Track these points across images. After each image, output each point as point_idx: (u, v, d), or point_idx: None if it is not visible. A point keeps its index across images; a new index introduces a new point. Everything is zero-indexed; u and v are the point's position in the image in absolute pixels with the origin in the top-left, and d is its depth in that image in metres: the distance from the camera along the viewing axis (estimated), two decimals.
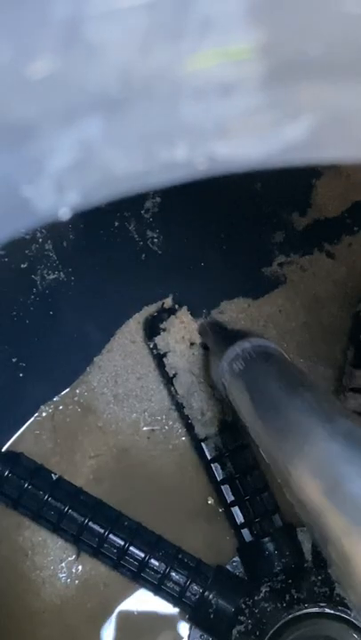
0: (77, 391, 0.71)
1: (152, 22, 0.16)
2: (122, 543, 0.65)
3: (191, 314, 0.69)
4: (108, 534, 0.65)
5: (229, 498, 0.67)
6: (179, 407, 0.69)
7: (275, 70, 0.18)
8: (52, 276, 0.67)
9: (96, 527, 0.65)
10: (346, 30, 0.17)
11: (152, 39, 0.16)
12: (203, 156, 0.20)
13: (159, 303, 0.70)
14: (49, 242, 0.65)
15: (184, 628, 0.67)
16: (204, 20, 0.16)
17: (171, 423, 0.71)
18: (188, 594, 0.64)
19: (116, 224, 0.67)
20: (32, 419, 0.71)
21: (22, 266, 0.65)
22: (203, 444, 0.67)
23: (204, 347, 0.67)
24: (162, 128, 0.19)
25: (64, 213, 0.21)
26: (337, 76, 0.18)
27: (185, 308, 0.68)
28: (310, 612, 0.61)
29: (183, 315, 0.68)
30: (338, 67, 0.18)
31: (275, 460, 0.39)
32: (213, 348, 0.60)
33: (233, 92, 0.18)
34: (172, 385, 0.68)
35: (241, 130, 0.19)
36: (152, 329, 0.69)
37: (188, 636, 0.66)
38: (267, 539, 0.65)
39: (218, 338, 0.60)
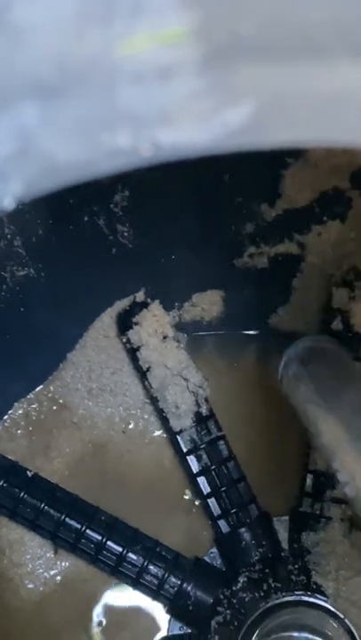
0: (51, 387, 0.71)
1: (81, 6, 0.16)
2: (99, 538, 0.65)
3: (163, 307, 0.68)
4: (85, 530, 0.65)
5: (205, 490, 0.67)
6: (153, 401, 0.69)
7: (211, 54, 0.18)
8: (21, 273, 0.66)
9: (73, 523, 0.65)
10: (278, 10, 0.17)
11: (83, 23, 0.16)
12: (147, 142, 0.20)
13: (131, 297, 0.70)
14: (18, 238, 0.65)
15: (163, 620, 0.67)
16: (134, 2, 0.16)
17: (146, 417, 0.71)
18: (166, 586, 0.64)
19: (86, 219, 0.67)
20: (6, 416, 0.70)
21: None
22: (178, 437, 0.67)
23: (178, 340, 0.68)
24: (101, 114, 0.19)
25: (8, 203, 0.21)
26: (274, 58, 0.18)
27: (157, 301, 0.68)
28: (288, 601, 0.61)
29: (155, 308, 0.68)
30: (274, 48, 0.18)
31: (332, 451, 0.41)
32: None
33: (171, 76, 0.18)
34: (146, 379, 0.68)
35: (183, 115, 0.19)
36: (125, 323, 0.69)
37: (168, 629, 0.66)
38: (243, 529, 0.65)
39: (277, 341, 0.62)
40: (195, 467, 0.67)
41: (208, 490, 0.67)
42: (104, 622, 0.67)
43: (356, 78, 0.19)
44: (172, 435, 0.68)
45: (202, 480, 0.67)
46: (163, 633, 0.67)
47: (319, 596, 0.61)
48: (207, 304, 0.71)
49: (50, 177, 0.21)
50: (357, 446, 0.36)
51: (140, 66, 0.18)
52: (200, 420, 0.67)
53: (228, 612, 0.63)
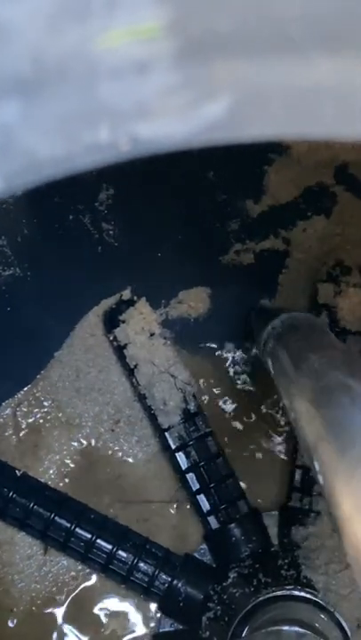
0: (39, 387, 0.71)
1: (58, 2, 0.16)
2: (89, 536, 0.65)
3: (150, 305, 0.69)
4: (75, 528, 0.65)
5: (195, 486, 0.67)
6: (141, 398, 0.69)
7: (187, 48, 0.18)
8: (7, 272, 0.66)
9: (62, 522, 0.65)
10: (253, 5, 0.17)
11: (60, 18, 0.16)
12: (125, 136, 0.20)
13: (117, 295, 0.70)
14: (3, 237, 0.65)
15: (154, 617, 0.67)
16: None
17: (135, 414, 0.71)
18: (156, 583, 0.64)
19: (71, 217, 0.67)
20: None
21: None
22: (166, 434, 0.67)
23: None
24: (81, 109, 0.19)
25: None
26: (250, 53, 0.18)
27: (143, 299, 0.68)
28: (278, 596, 0.61)
29: (142, 306, 0.68)
30: (250, 43, 0.18)
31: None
32: (256, 335, 0.62)
33: (148, 71, 0.18)
34: (134, 376, 0.68)
35: (161, 109, 0.20)
36: (111, 321, 0.69)
37: (158, 625, 0.66)
38: (233, 525, 0.65)
39: (259, 321, 0.63)
40: (183, 463, 0.67)
41: (197, 486, 0.67)
42: (94, 620, 0.67)
43: (331, 73, 0.20)
44: (160, 432, 0.68)
45: (191, 476, 0.67)
46: (154, 630, 0.67)
47: (309, 590, 0.61)
48: (194, 301, 0.71)
49: (30, 172, 0.21)
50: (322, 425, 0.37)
51: (117, 61, 0.18)
52: (188, 416, 0.67)
53: (218, 607, 0.63)
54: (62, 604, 0.68)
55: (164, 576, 0.64)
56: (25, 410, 0.71)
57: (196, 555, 0.67)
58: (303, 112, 0.20)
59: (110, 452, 0.71)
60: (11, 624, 0.67)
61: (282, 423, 0.71)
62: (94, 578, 0.68)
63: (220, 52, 0.18)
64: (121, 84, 0.19)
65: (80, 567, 0.68)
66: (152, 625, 0.67)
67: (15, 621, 0.68)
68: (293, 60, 0.19)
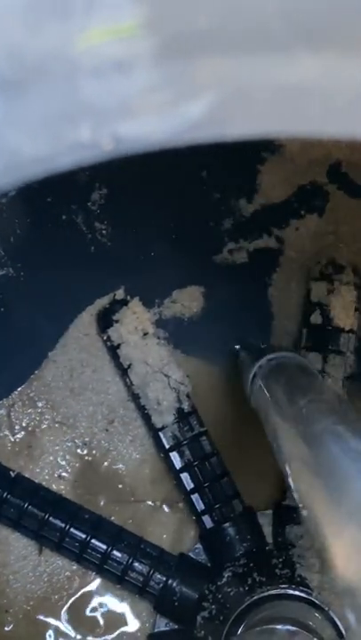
0: (33, 387, 0.71)
1: (36, 1, 0.16)
2: (83, 536, 0.65)
3: (143, 304, 0.68)
4: (69, 528, 0.65)
5: (189, 485, 0.67)
6: (135, 398, 0.69)
7: (167, 46, 0.18)
8: (0, 273, 0.66)
9: (57, 522, 0.65)
10: (233, 2, 0.17)
11: (38, 17, 0.16)
12: (108, 135, 0.20)
13: (111, 295, 0.70)
14: None
15: (149, 616, 0.67)
16: None
17: (129, 414, 0.71)
18: (151, 583, 0.64)
19: (64, 217, 0.67)
20: None
21: None
22: (160, 434, 0.67)
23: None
24: (63, 108, 0.19)
25: None
26: (232, 51, 0.18)
27: (137, 298, 0.68)
28: (272, 594, 0.61)
29: (135, 305, 0.68)
30: (231, 41, 0.18)
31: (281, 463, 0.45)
32: (243, 371, 0.62)
33: (129, 69, 0.18)
34: (128, 376, 0.68)
35: (142, 108, 0.19)
36: (105, 321, 0.69)
37: (154, 625, 0.66)
38: (227, 524, 0.65)
39: (246, 359, 0.64)
40: (178, 463, 0.67)
41: (191, 486, 0.67)
42: (90, 620, 0.67)
43: (314, 70, 0.20)
44: (154, 431, 0.68)
45: (185, 476, 0.67)
46: (149, 629, 0.67)
47: (304, 589, 0.61)
48: (187, 300, 0.71)
49: (14, 172, 0.21)
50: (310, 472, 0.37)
51: (97, 60, 0.18)
52: (182, 416, 0.67)
53: (213, 606, 0.63)
54: (57, 604, 0.68)
55: (158, 576, 0.64)
56: (19, 410, 0.71)
57: (190, 554, 0.67)
58: (288, 110, 0.20)
59: (104, 452, 0.71)
60: (6, 627, 0.67)
61: None
62: (89, 578, 0.68)
63: (201, 49, 0.18)
64: (102, 83, 0.19)
65: (75, 567, 0.68)
66: (147, 624, 0.67)
67: (10, 622, 0.68)
68: (277, 58, 0.19)
